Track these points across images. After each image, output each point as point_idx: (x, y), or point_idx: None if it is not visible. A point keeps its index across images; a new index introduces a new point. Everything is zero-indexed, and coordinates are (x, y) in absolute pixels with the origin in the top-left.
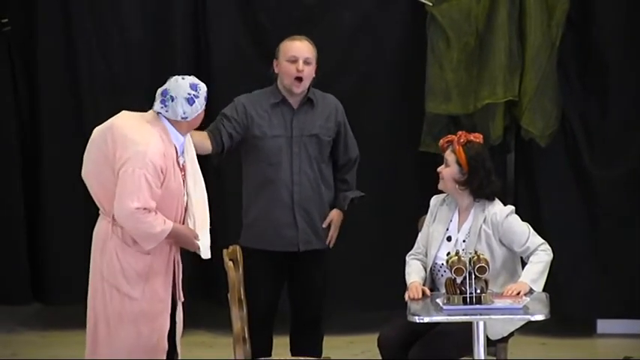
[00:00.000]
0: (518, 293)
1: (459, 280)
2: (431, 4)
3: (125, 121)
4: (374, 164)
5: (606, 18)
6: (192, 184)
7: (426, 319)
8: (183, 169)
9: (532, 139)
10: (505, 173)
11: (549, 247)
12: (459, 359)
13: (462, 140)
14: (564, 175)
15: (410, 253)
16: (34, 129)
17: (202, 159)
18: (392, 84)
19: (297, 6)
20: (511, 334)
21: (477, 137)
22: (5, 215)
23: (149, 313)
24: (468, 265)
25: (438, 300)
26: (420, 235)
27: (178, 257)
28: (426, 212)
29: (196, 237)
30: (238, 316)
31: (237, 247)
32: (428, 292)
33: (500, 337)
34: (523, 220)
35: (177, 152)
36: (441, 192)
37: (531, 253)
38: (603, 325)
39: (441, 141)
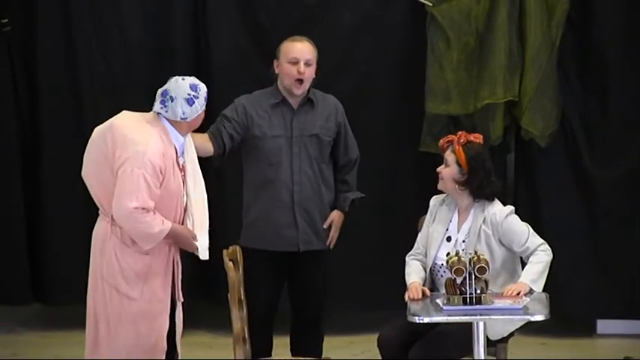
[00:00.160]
0: (518, 293)
1: (458, 280)
2: (431, 4)
3: (125, 121)
4: (374, 164)
5: (606, 18)
6: (192, 184)
7: (426, 320)
8: (183, 169)
9: (532, 139)
10: (505, 173)
11: (549, 248)
12: (459, 359)
13: (461, 140)
14: (564, 175)
15: (410, 253)
16: (34, 129)
17: (203, 160)
18: (392, 84)
19: (297, 6)
20: (511, 335)
21: (477, 137)
22: (5, 215)
23: (148, 313)
24: (467, 265)
25: (438, 300)
26: (419, 235)
27: (178, 258)
28: (426, 212)
29: (195, 238)
30: (238, 317)
31: (237, 248)
32: (428, 292)
33: (500, 337)
34: (523, 220)
35: (177, 153)
36: (440, 192)
37: (531, 254)
38: (603, 325)
39: (441, 141)
